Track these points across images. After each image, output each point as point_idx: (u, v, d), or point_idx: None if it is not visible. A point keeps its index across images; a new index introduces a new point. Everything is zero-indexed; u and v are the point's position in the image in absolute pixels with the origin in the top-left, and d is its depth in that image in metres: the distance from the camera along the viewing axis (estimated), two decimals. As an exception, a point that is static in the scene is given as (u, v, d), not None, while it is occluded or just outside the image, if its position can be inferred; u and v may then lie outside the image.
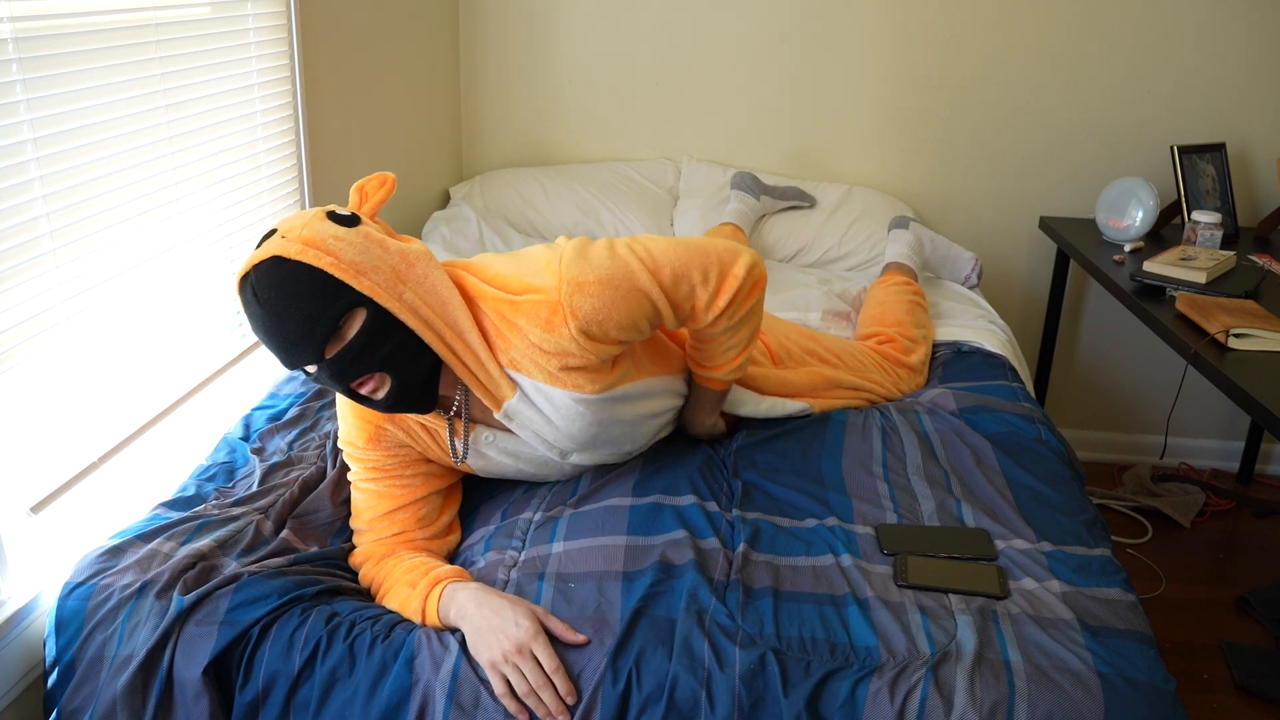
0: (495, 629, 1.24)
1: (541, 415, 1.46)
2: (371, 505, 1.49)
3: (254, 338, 1.98)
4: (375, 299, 1.30)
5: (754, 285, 1.52)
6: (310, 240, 1.28)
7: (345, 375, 1.32)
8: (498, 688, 1.21)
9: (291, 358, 1.30)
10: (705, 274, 1.46)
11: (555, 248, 1.44)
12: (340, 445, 1.53)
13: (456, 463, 1.53)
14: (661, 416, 1.62)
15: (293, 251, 1.27)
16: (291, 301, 1.26)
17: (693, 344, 1.59)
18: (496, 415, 1.45)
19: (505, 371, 1.41)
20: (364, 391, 1.35)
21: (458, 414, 1.49)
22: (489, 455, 1.52)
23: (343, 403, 1.51)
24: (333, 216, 1.33)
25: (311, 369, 1.33)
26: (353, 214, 1.35)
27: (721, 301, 1.48)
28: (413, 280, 1.34)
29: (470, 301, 1.40)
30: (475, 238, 2.68)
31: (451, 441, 1.49)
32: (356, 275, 1.29)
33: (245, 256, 1.32)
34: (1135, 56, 2.86)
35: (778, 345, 1.88)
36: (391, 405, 1.36)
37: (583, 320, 1.37)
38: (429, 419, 1.48)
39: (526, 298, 1.38)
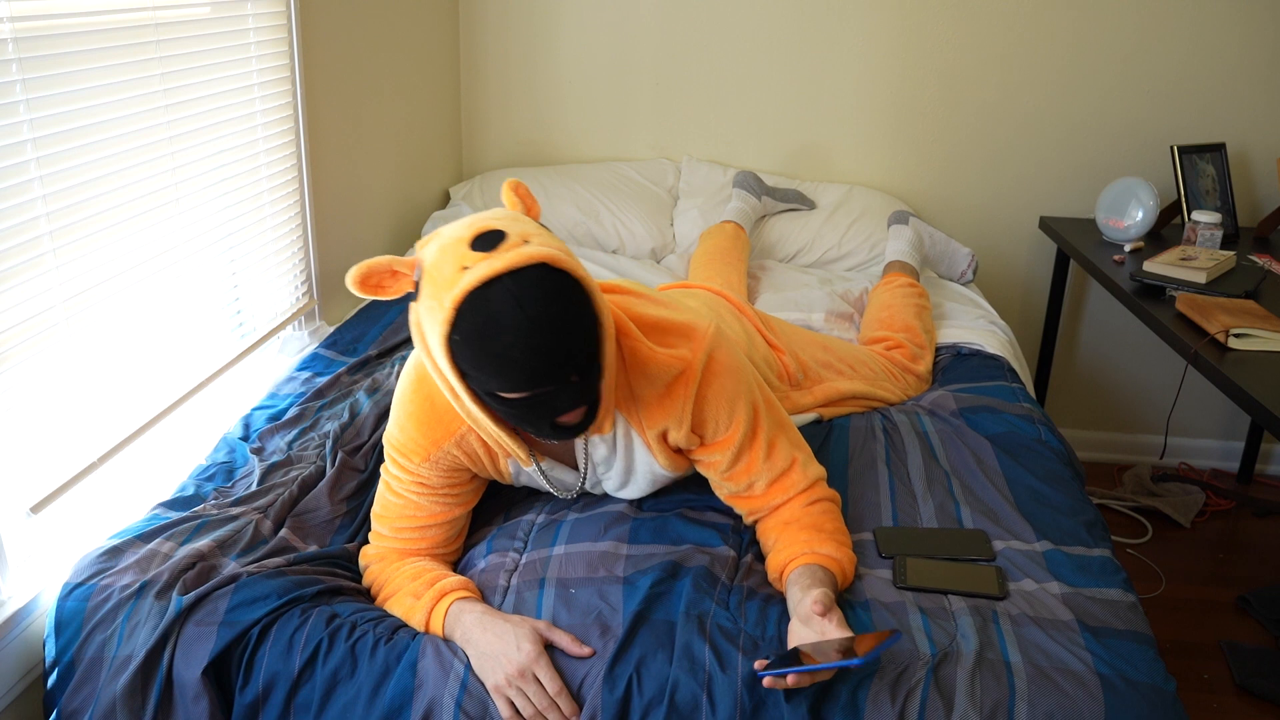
0: (498, 653, 1.23)
1: (613, 457, 1.43)
2: (406, 514, 1.43)
3: (253, 338, 1.98)
4: (603, 317, 1.21)
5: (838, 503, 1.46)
6: (564, 249, 1.18)
7: (576, 401, 1.21)
8: (504, 711, 1.21)
9: (542, 377, 1.15)
10: (804, 457, 1.44)
11: (700, 316, 1.41)
12: (388, 447, 1.44)
13: (514, 484, 1.50)
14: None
15: (559, 260, 1.15)
16: (566, 315, 1.14)
17: (787, 525, 1.41)
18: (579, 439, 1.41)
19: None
20: (569, 420, 1.25)
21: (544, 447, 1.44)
22: (532, 476, 1.49)
23: (406, 412, 1.40)
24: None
25: (529, 393, 1.18)
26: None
27: (819, 484, 1.43)
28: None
29: (617, 331, 1.34)
30: (475, 238, 2.68)
31: (539, 467, 1.44)
32: (600, 294, 1.20)
33: (446, 259, 1.17)
34: (1135, 57, 2.86)
35: (795, 365, 1.87)
36: (574, 433, 1.27)
37: (701, 391, 1.35)
38: (511, 444, 1.36)
39: (666, 352, 1.34)
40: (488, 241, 1.17)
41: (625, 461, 1.43)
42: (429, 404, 1.38)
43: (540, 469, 1.45)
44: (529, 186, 2.84)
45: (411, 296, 1.24)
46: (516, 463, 1.45)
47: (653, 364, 1.33)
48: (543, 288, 1.13)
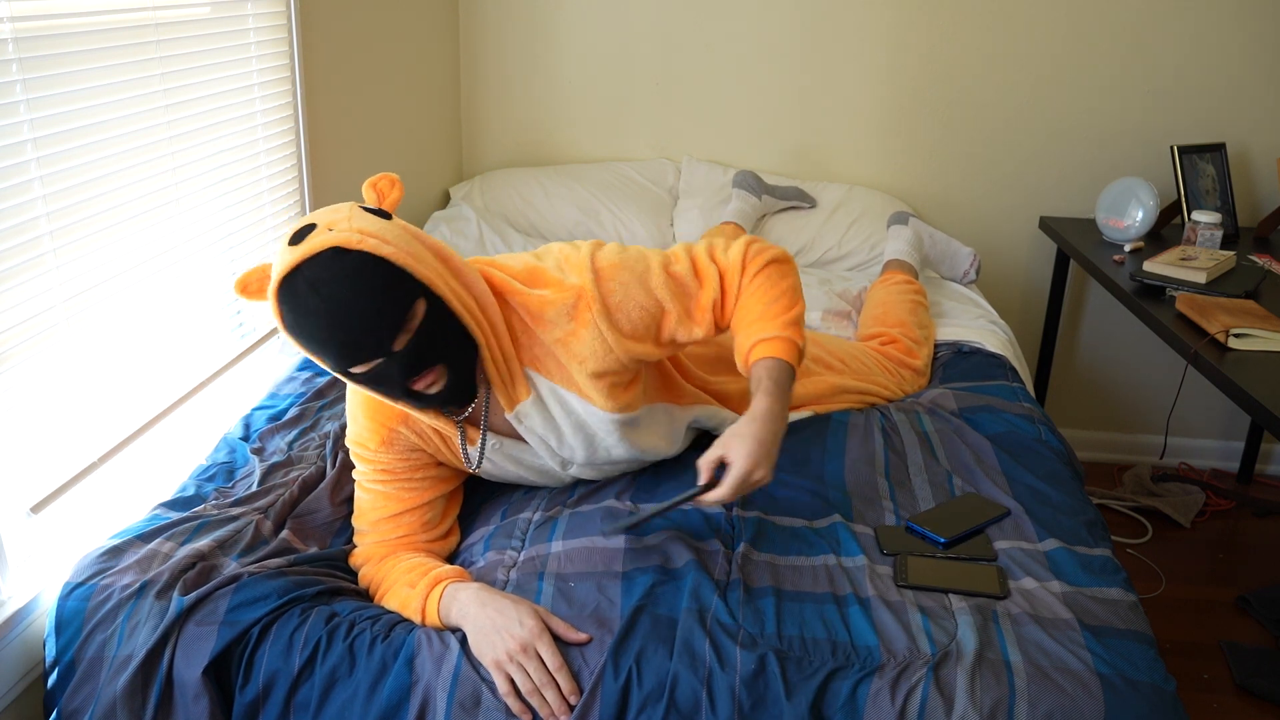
0: (499, 628, 1.24)
1: (552, 421, 1.45)
2: (377, 507, 1.48)
3: (253, 338, 1.98)
4: (434, 288, 1.27)
5: (780, 258, 1.49)
6: (366, 230, 1.23)
7: (412, 369, 1.27)
8: (502, 687, 1.21)
9: (356, 353, 1.23)
10: (714, 244, 1.49)
11: (575, 245, 1.45)
12: (348, 445, 1.50)
13: (470, 469, 1.52)
14: (668, 450, 1.61)
15: (354, 241, 1.21)
16: (358, 292, 1.20)
17: (735, 318, 1.48)
18: (508, 415, 1.44)
19: (524, 371, 1.41)
20: (421, 386, 1.30)
21: (470, 419, 1.47)
22: (494, 460, 1.52)
23: (354, 403, 1.48)
24: (365, 210, 1.29)
25: (364, 368, 1.26)
26: (380, 209, 1.32)
27: (746, 252, 1.46)
28: (453, 272, 1.33)
29: (498, 295, 1.39)
30: (475, 238, 2.68)
31: (464, 448, 1.47)
32: (416, 263, 1.25)
33: (276, 258, 1.23)
34: (1135, 56, 2.86)
35: None
36: (447, 399, 1.33)
37: (605, 303, 1.38)
38: (441, 423, 1.45)
39: (551, 292, 1.38)
40: (300, 236, 1.23)
41: (569, 420, 1.44)
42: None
43: (493, 447, 1.48)
44: (529, 186, 2.85)
45: None
46: (477, 449, 1.48)
47: (548, 306, 1.37)
48: (332, 270, 1.19)
